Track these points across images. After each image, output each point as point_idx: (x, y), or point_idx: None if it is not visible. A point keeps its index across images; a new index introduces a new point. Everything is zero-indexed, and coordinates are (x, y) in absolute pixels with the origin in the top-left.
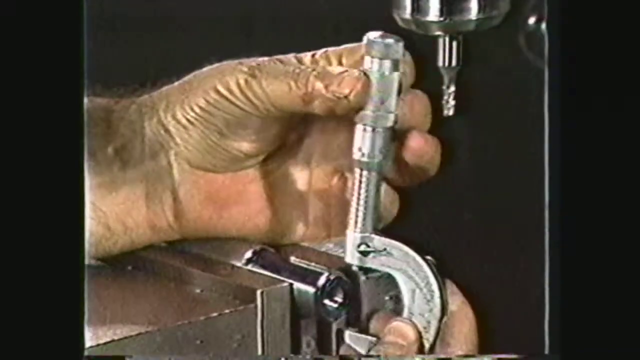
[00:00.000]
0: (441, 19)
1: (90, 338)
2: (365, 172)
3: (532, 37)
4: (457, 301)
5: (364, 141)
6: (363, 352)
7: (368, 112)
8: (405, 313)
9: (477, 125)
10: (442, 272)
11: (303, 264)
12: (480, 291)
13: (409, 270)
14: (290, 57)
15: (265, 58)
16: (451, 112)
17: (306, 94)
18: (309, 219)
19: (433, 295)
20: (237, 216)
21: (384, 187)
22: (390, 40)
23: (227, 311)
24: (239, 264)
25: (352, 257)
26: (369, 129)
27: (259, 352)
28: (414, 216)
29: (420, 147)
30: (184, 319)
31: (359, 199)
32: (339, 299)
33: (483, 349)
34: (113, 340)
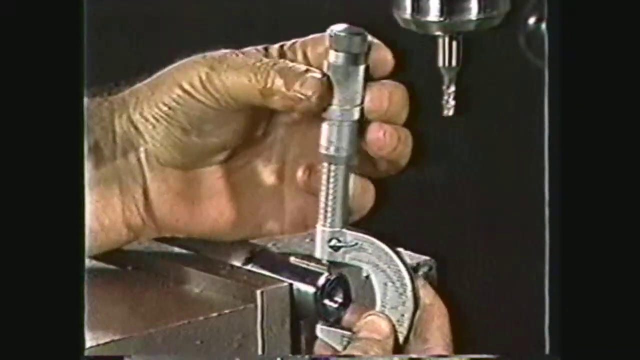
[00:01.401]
0: (441, 19)
1: (90, 338)
2: (333, 166)
3: (532, 37)
4: (429, 295)
5: (330, 135)
6: (335, 345)
7: (334, 106)
8: (378, 307)
9: (477, 125)
10: (442, 272)
11: (303, 264)
12: (480, 291)
13: (380, 263)
14: (255, 49)
15: (228, 51)
16: (451, 112)
17: (265, 88)
18: (283, 212)
19: (405, 288)
20: (209, 212)
21: (355, 178)
22: (353, 34)
23: (227, 311)
24: (239, 264)
25: (322, 252)
26: (335, 122)
27: (259, 352)
28: (414, 216)
29: (379, 139)
30: (184, 319)
31: (327, 193)
32: (338, 299)
33: (482, 349)
34: (113, 340)
